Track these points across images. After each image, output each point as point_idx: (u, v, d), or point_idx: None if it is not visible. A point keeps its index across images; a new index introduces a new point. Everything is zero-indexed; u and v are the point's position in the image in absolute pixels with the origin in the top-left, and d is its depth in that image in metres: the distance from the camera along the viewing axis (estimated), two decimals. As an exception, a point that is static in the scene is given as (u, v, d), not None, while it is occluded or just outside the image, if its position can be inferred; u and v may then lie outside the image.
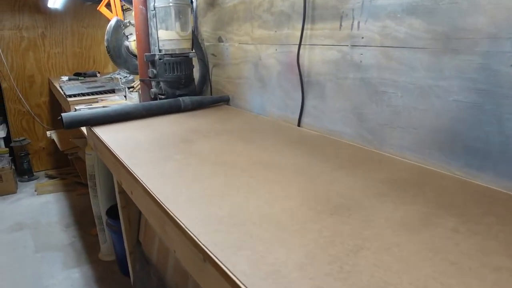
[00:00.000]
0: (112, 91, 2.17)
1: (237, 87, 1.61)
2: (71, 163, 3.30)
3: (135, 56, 1.83)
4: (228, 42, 1.61)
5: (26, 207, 2.73)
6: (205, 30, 1.75)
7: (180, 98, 1.51)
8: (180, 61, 1.54)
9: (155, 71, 1.52)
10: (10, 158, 3.07)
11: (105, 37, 1.77)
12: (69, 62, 3.47)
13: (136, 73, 1.89)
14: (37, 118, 3.40)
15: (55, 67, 3.43)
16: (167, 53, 1.51)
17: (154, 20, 1.49)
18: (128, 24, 1.81)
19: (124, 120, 1.38)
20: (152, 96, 1.56)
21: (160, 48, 1.51)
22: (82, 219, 2.53)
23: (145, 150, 1.04)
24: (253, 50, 1.46)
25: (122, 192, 1.48)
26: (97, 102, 2.02)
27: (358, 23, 1.02)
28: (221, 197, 0.74)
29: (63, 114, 1.27)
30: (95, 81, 2.65)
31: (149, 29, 1.54)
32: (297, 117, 1.28)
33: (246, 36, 1.49)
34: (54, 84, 2.87)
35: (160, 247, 1.35)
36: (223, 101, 1.66)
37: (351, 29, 1.05)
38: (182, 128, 1.27)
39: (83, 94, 2.10)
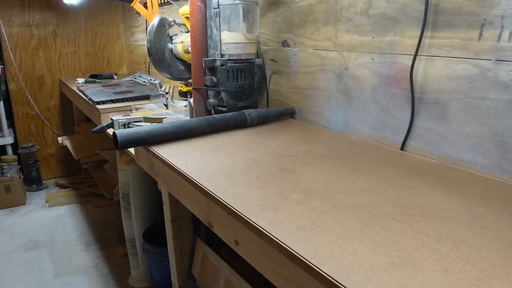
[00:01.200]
0: (145, 97, 1.94)
1: (307, 99, 1.39)
2: (85, 172, 3.05)
3: (180, 60, 1.61)
4: (297, 47, 1.39)
5: (38, 221, 2.49)
6: (263, 33, 1.53)
7: (245, 111, 1.29)
8: (244, 68, 1.32)
9: (214, 79, 1.30)
10: (19, 166, 2.82)
11: (147, 38, 1.54)
12: (81, 63, 3.23)
13: (180, 79, 1.67)
14: (47, 122, 3.15)
15: (66, 67, 3.18)
16: (231, 58, 1.29)
17: (217, 20, 1.28)
18: (172, 23, 1.58)
19: (185, 138, 1.16)
20: (210, 108, 1.34)
21: (222, 52, 1.29)
22: (103, 236, 2.30)
23: (241, 182, 0.83)
24: (335, 58, 1.25)
25: (175, 220, 1.27)
26: (130, 110, 1.79)
27: (510, 33, 0.82)
28: (413, 271, 0.52)
29: (117, 132, 1.05)
30: (117, 84, 2.42)
31: (207, 30, 1.32)
32: (401, 139, 1.07)
33: (326, 41, 1.27)
34: (67, 86, 2.62)
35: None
36: (288, 114, 1.45)
37: (498, 40, 0.84)
38: (266, 150, 1.05)
39: (112, 101, 1.87)
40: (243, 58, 1.31)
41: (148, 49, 1.55)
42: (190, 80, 1.65)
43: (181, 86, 1.93)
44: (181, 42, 1.52)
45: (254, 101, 1.39)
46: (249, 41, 1.30)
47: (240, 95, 1.34)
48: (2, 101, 2.80)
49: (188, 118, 1.45)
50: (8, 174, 2.65)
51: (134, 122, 1.53)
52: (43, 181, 3.09)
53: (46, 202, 2.76)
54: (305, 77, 1.39)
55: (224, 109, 1.31)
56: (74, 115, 3.13)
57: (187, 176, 0.89)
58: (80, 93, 2.21)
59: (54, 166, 3.24)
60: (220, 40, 1.28)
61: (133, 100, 1.91)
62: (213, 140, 1.15)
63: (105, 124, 1.50)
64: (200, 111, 1.38)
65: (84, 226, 2.40)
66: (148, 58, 2.87)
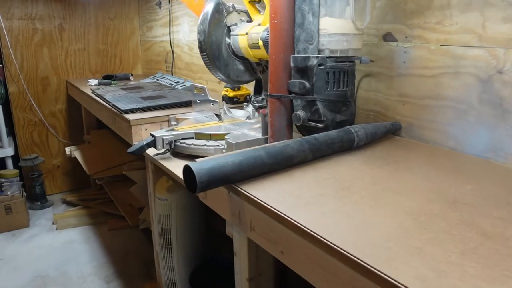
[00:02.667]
0: (184, 104, 1.57)
1: (422, 111, 1.03)
2: (96, 185, 2.67)
3: (239, 58, 1.24)
4: (410, 41, 1.03)
5: (45, 249, 2.11)
6: (353, 22, 1.16)
7: (351, 129, 0.92)
8: (348, 69, 0.95)
9: (307, 84, 0.94)
10: (21, 183, 2.43)
11: (200, 28, 1.17)
12: (91, 61, 2.85)
13: (238, 82, 1.30)
14: (52, 129, 2.77)
15: (74, 67, 2.80)
16: (332, 55, 0.93)
17: (314, 2, 0.91)
18: (231, 9, 1.21)
19: (283, 169, 0.80)
20: (297, 123, 0.97)
21: (320, 47, 0.93)
22: (126, 269, 1.92)
23: (444, 264, 0.46)
24: (481, 57, 0.89)
25: (254, 278, 0.91)
26: (168, 122, 1.42)
27: None
28: None
29: (193, 167, 0.68)
30: (140, 87, 2.04)
31: (296, 16, 0.95)
32: None
33: (464, 34, 0.91)
34: (77, 88, 2.25)
35: None
36: (395, 130, 1.08)
37: None
38: (418, 193, 0.69)
39: (143, 109, 1.50)
40: (349, 55, 0.94)
41: (200, 42, 1.17)
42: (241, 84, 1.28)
43: (226, 91, 1.56)
44: (245, 34, 1.15)
45: (352, 113, 1.02)
46: (358, 32, 0.93)
47: (340, 106, 0.97)
48: (0, 106, 2.42)
49: (258, 134, 1.08)
50: (9, 192, 2.26)
51: (183, 139, 1.16)
52: (48, 197, 2.71)
53: (53, 223, 2.37)
54: (421, 82, 1.02)
55: (319, 125, 0.94)
56: (83, 122, 2.74)
57: (334, 247, 0.52)
58: (98, 98, 1.83)
59: (60, 179, 2.86)
60: (318, 30, 0.92)
61: (169, 108, 1.53)
62: (324, 173, 0.79)
63: (144, 143, 1.13)
64: (280, 126, 1.01)
65: (101, 256, 2.02)
66: (170, 56, 2.51)
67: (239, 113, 1.30)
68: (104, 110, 1.72)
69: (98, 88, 2.07)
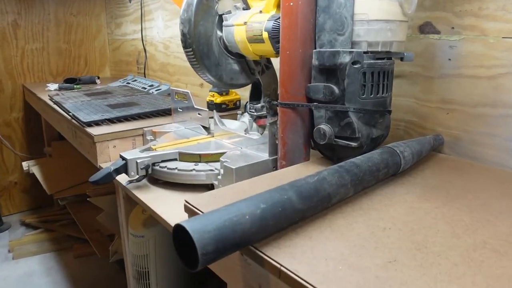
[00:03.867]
0: (162, 113, 1.29)
1: (474, 122, 0.80)
2: (59, 205, 2.35)
3: (233, 55, 0.98)
4: (458, 33, 0.80)
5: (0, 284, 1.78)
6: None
7: (396, 149, 0.68)
8: (389, 68, 0.71)
9: (336, 89, 0.68)
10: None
11: (182, 17, 0.90)
12: (51, 63, 2.52)
13: (232, 86, 1.03)
14: (7, 141, 2.42)
15: (32, 69, 2.46)
16: (371, 50, 0.68)
17: (344, -24, 0.66)
18: (223, -5, 0.95)
19: (318, 213, 0.54)
20: (322, 141, 0.72)
21: (355, 39, 0.68)
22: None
23: None
24: None
25: None
26: (143, 136, 1.14)
27: None
28: None
29: (190, 229, 0.41)
30: (107, 92, 1.75)
31: (317, -2, 0.70)
32: None
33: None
34: (34, 94, 1.93)
35: None
36: (438, 145, 0.85)
37: None
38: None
39: (111, 121, 1.21)
40: (392, 49, 0.70)
41: (184, 35, 0.91)
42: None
43: (212, 96, 1.30)
44: (243, 24, 0.89)
45: (388, 126, 0.78)
46: (404, 18, 0.69)
47: (377, 118, 0.72)
48: None
49: (263, 154, 0.83)
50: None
51: (163, 161, 0.89)
52: (4, 219, 2.36)
53: (10, 251, 2.04)
54: (473, 85, 0.79)
55: (352, 144, 0.69)
56: (43, 132, 2.41)
57: None
58: (55, 106, 1.53)
59: (18, 198, 2.51)
60: (352, 16, 0.67)
61: (143, 119, 1.25)
62: (377, 218, 0.55)
63: (112, 168, 0.85)
64: (295, 145, 0.76)
65: (64, 291, 1.71)
66: (142, 56, 2.20)
67: (233, 125, 1.03)
68: (63, 121, 1.42)
69: (58, 94, 1.76)
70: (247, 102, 1.05)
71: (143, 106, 1.35)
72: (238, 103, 1.36)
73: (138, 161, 0.87)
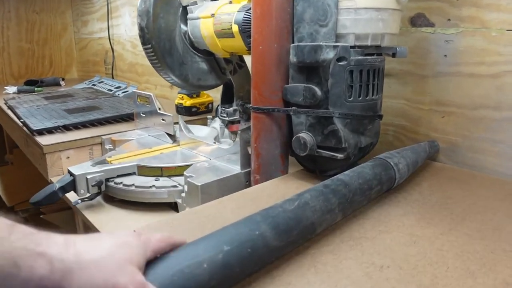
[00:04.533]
0: (127, 118, 1.16)
1: (474, 126, 0.71)
2: (18, 218, 2.17)
3: (201, 52, 0.86)
4: (456, 26, 0.70)
5: None
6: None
7: (389, 161, 0.57)
8: (379, 66, 0.60)
9: (318, 91, 0.57)
10: None
11: (140, 9, 0.78)
12: (13, 64, 2.34)
13: (200, 88, 0.91)
14: (-37, 148, 2.23)
15: (-10, 70, 2.28)
16: (359, 44, 0.57)
17: (326, -45, 0.55)
18: (188, -16, 0.83)
19: (299, 246, 0.43)
20: (302, 152, 0.60)
21: (340, 31, 0.57)
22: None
23: None
24: None
25: None
26: (101, 145, 1.01)
27: None
28: None
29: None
30: (69, 95, 1.60)
31: (294, -18, 0.59)
32: None
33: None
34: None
35: None
36: (433, 153, 0.75)
37: None
38: None
39: (66, 128, 1.07)
40: (384, 44, 0.59)
41: (142, 29, 0.78)
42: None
43: (181, 98, 1.18)
44: (211, 17, 0.77)
45: (377, 133, 0.67)
46: (397, 7, 0.58)
47: (366, 124, 0.62)
48: None
49: (235, 167, 0.71)
50: None
51: (119, 176, 0.76)
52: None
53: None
54: (472, 85, 0.69)
55: (338, 155, 0.58)
56: (4, 138, 2.23)
57: None
58: (9, 111, 1.37)
59: (-24, 209, 2.32)
60: (336, 4, 0.55)
61: (103, 125, 1.12)
62: (372, 252, 0.44)
63: (57, 186, 0.73)
64: (270, 156, 0.64)
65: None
66: (110, 56, 2.05)
67: (202, 132, 0.91)
68: (16, 129, 1.27)
69: (15, 98, 1.60)
70: (218, 106, 0.93)
71: (104, 111, 1.21)
72: (210, 106, 1.24)
73: (89, 177, 0.74)
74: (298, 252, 0.43)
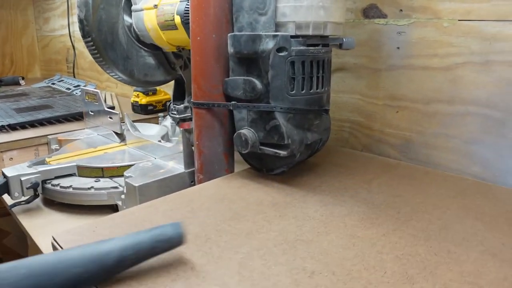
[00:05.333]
0: (79, 117, 1.10)
1: (428, 121, 0.68)
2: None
3: (147, 46, 0.82)
4: (408, 16, 0.68)
5: None
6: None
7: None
8: (324, 57, 0.57)
9: (258, 84, 0.54)
10: None
11: (78, 0, 0.73)
12: (-30, 62, 2.24)
13: (147, 84, 0.86)
14: None
15: None
16: (300, 33, 0.54)
17: None
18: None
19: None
20: (244, 150, 0.57)
21: (280, 19, 0.53)
22: None
23: None
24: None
25: None
26: (47, 145, 0.95)
27: None
28: None
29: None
30: (24, 94, 1.52)
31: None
32: None
33: (503, 2, 0.57)
34: None
35: None
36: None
37: None
38: None
39: (11, 127, 1.01)
40: (326, 33, 0.55)
41: (81, 22, 0.73)
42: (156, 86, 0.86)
43: (137, 96, 1.12)
44: (153, 8, 0.72)
45: (327, 129, 0.64)
46: (340, -8, 0.55)
47: (312, 119, 0.58)
48: None
49: (180, 166, 0.67)
50: None
51: (57, 178, 0.71)
52: None
53: None
54: (426, 78, 0.67)
55: (281, 152, 0.54)
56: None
57: None
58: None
59: None
60: (274, -11, 0.52)
61: (52, 124, 1.06)
62: (305, 257, 0.41)
63: (-13, 189, 0.67)
64: (213, 154, 0.60)
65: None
66: (71, 54, 1.96)
67: (150, 131, 0.87)
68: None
69: (-35, 97, 1.51)
70: (169, 103, 0.89)
71: (56, 110, 1.15)
72: (168, 104, 1.19)
73: (23, 178, 0.68)
74: (224, 256, 0.40)
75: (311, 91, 0.56)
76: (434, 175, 0.64)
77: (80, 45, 1.85)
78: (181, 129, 0.73)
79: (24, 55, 2.39)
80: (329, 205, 0.52)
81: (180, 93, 0.88)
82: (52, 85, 1.73)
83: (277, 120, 0.54)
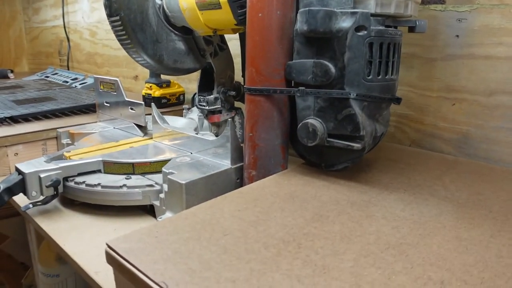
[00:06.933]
0: (86, 109, 1.02)
1: (489, 115, 0.63)
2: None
3: (178, 30, 0.74)
4: (470, 2, 0.63)
5: None
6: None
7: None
8: (399, 41, 0.51)
9: (332, 67, 0.47)
10: None
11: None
12: (-48, 54, 2.10)
13: (176, 71, 0.79)
14: None
15: None
16: (381, 12, 0.48)
17: None
18: None
19: None
20: (311, 142, 0.50)
21: (357, -5, 0.47)
22: None
23: None
24: None
25: None
26: (56, 139, 0.87)
27: None
28: None
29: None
30: (18, 86, 1.42)
31: None
32: None
33: None
34: None
35: None
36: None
37: None
38: None
39: (14, 120, 0.92)
40: (408, 13, 0.50)
41: (107, 2, 0.65)
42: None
43: (150, 88, 1.05)
44: (191, -13, 0.65)
45: (388, 121, 0.59)
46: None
47: (383, 108, 0.52)
48: None
49: (223, 162, 0.60)
50: None
51: (80, 175, 0.63)
52: None
53: None
54: (489, 68, 0.62)
55: (355, 145, 0.48)
56: None
57: None
58: None
59: None
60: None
61: (59, 117, 0.97)
62: (422, 263, 0.35)
63: (2, 188, 0.59)
64: (270, 147, 0.54)
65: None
66: (65, 46, 1.84)
67: (178, 123, 0.79)
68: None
69: (-48, 89, 1.40)
70: (195, 94, 0.82)
71: (60, 102, 1.06)
72: (182, 97, 1.11)
73: (42, 175, 0.60)
74: (330, 265, 0.33)
75: (387, 77, 0.50)
76: (501, 171, 0.59)
77: (76, 37, 1.75)
78: (230, 119, 0.66)
79: (11, 48, 2.27)
80: (413, 204, 0.46)
81: (207, 84, 0.81)
82: (46, 78, 1.63)
83: (352, 109, 0.48)
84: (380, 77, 0.49)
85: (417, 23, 0.53)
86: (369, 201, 0.47)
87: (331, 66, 0.48)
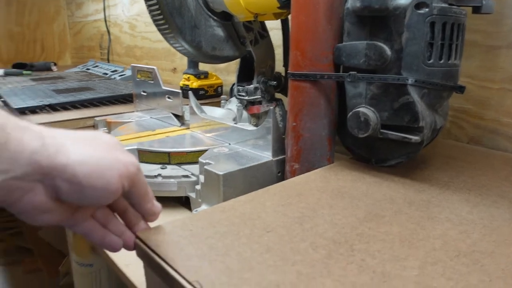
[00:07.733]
0: (123, 99, 1.01)
1: None
2: (7, 211, 2.00)
3: (217, 16, 0.71)
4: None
5: None
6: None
7: None
8: (463, 21, 0.45)
9: (387, 50, 0.42)
10: None
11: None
12: (1, 48, 2.18)
13: (214, 59, 0.76)
14: None
15: (-24, 54, 2.12)
16: (447, -13, 0.42)
17: None
18: None
19: None
20: (362, 134, 0.45)
21: (419, -33, 0.41)
22: None
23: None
24: None
25: None
26: (93, 127, 0.86)
27: None
28: None
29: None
30: (59, 77, 1.44)
31: None
32: None
33: None
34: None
35: None
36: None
37: None
38: None
39: (52, 108, 0.92)
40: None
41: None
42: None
43: (188, 79, 1.03)
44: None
45: (447, 113, 0.52)
46: None
47: (443, 99, 0.47)
48: None
49: (264, 153, 0.56)
50: None
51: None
52: None
53: None
54: None
55: (413, 137, 0.43)
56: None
57: None
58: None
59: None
60: None
61: (96, 106, 0.96)
62: (504, 278, 0.28)
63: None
64: (316, 139, 0.49)
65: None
66: (105, 40, 1.86)
67: (216, 113, 0.76)
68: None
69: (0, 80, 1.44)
70: (233, 84, 0.78)
71: (98, 91, 1.06)
72: (220, 89, 1.08)
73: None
74: (390, 272, 0.28)
75: (449, 61, 0.44)
76: None
77: (116, 30, 1.76)
78: (271, 108, 0.62)
79: (55, 42, 2.33)
80: (480, 206, 0.41)
81: (246, 74, 0.78)
82: (87, 70, 1.65)
83: (410, 96, 0.43)
84: (442, 61, 0.44)
85: (484, 2, 0.47)
86: (429, 201, 0.41)
87: (386, 48, 0.43)
